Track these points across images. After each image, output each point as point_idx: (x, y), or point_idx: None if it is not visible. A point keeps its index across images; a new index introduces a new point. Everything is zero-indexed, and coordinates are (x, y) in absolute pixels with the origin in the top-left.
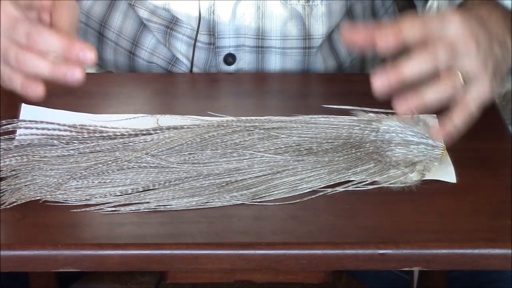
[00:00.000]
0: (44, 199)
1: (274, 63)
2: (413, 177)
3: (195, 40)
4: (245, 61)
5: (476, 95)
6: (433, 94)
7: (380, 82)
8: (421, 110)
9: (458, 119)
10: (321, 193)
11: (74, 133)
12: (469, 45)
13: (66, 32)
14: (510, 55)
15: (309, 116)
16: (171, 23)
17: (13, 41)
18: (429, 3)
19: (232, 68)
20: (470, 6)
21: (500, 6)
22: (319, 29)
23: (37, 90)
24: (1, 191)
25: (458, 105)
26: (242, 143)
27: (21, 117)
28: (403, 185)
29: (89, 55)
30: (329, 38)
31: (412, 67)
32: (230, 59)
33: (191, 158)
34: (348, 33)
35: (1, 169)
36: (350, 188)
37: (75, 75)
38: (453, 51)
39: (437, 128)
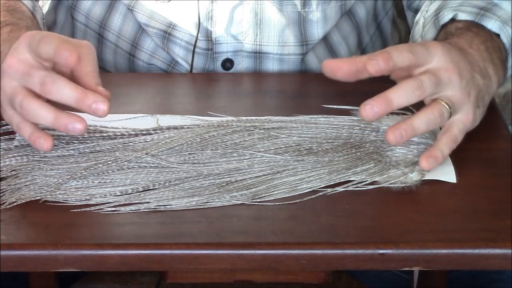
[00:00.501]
0: (44, 199)
1: (272, 68)
2: (413, 177)
3: (195, 45)
4: (242, 66)
5: (460, 123)
6: (422, 122)
7: (370, 111)
8: (410, 136)
9: (444, 145)
10: (321, 193)
11: None
12: (451, 75)
13: (91, 77)
14: (492, 83)
15: (309, 116)
16: (169, 28)
17: (24, 88)
18: (417, 17)
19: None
20: (454, 31)
21: (482, 32)
22: (315, 34)
23: (46, 145)
24: (1, 191)
25: (444, 133)
26: (242, 143)
27: None
28: (403, 185)
29: (101, 107)
30: (326, 38)
31: (400, 95)
32: (228, 64)
33: (191, 158)
34: (330, 66)
35: (1, 169)
36: (350, 188)
37: (75, 127)
38: (437, 80)
39: (424, 154)
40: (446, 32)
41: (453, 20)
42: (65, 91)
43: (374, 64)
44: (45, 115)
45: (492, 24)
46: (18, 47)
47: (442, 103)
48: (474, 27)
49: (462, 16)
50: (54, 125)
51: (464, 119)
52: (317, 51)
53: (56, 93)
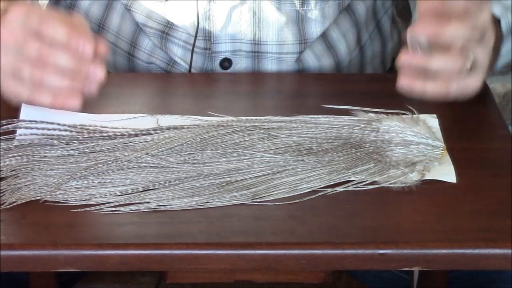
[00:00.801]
0: (44, 199)
1: (270, 67)
2: (413, 177)
3: (193, 45)
4: (241, 66)
5: (468, 84)
6: (440, 61)
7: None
8: (421, 75)
9: (436, 88)
10: (321, 193)
11: (74, 133)
12: (490, 39)
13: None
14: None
15: (309, 116)
16: (167, 28)
17: (23, 58)
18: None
19: (228, 72)
20: None
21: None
22: (313, 32)
23: (75, 102)
24: (1, 191)
25: (446, 78)
26: (242, 143)
27: (21, 117)
28: (403, 185)
29: (99, 72)
30: (324, 35)
31: (451, 29)
32: (226, 63)
33: (191, 158)
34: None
35: (1, 169)
36: (350, 188)
37: (97, 75)
38: (478, 36)
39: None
40: None
41: None
42: (62, 57)
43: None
44: (60, 80)
45: (495, 8)
46: (10, 22)
47: (470, 56)
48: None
49: None
50: (72, 85)
51: (472, 85)
52: (315, 48)
53: (55, 58)
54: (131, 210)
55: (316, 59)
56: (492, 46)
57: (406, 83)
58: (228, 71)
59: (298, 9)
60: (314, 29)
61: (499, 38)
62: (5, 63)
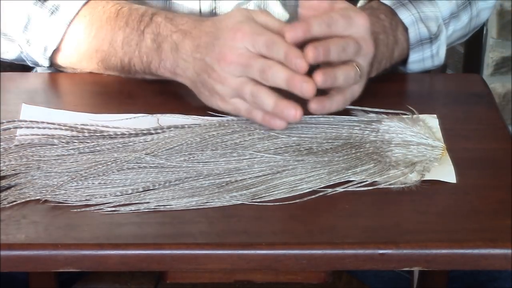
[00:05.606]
0: (44, 199)
1: None
2: (413, 177)
3: None
4: None
5: (356, 90)
6: (342, 74)
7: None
8: (330, 83)
9: (337, 103)
10: (321, 193)
11: (74, 133)
12: (369, 48)
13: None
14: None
15: (309, 116)
16: None
17: (250, 79)
18: None
19: None
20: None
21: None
22: None
23: (281, 124)
24: (1, 191)
25: (341, 92)
26: (242, 143)
27: (21, 117)
28: (403, 185)
29: (310, 87)
30: None
31: (331, 47)
32: None
33: (191, 158)
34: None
35: (1, 168)
36: (350, 189)
37: (290, 113)
38: (358, 48)
39: (316, 100)
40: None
41: None
42: (279, 75)
43: (292, 35)
44: (268, 101)
45: (405, 17)
46: (235, 42)
47: (355, 67)
48: (390, 12)
49: None
50: (274, 110)
51: (357, 90)
52: None
53: (272, 77)
54: (131, 210)
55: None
56: (374, 54)
57: (317, 106)
58: None
59: None
60: None
61: (398, 43)
62: (231, 83)
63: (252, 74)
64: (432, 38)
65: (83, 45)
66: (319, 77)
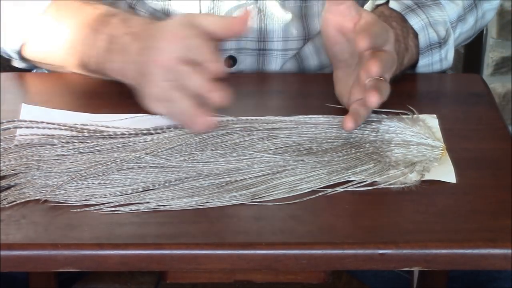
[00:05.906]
0: (44, 199)
1: (275, 65)
2: (413, 177)
3: None
4: (245, 64)
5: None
6: (365, 111)
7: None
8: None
9: (364, 113)
10: (321, 193)
11: (74, 133)
12: (395, 63)
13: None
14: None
15: (309, 116)
16: None
17: (174, 83)
18: None
19: (232, 70)
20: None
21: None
22: (317, 26)
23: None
24: (1, 191)
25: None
26: (242, 143)
27: (21, 117)
28: (403, 185)
29: (220, 97)
30: None
31: (376, 67)
32: (230, 61)
33: (191, 158)
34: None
35: (1, 168)
36: (350, 189)
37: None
38: (394, 64)
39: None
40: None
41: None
42: (193, 82)
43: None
44: (185, 106)
45: (414, 23)
46: (167, 46)
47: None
48: (400, 18)
49: (392, 5)
50: (190, 116)
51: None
52: (315, 40)
53: (190, 83)
54: (131, 210)
55: (316, 51)
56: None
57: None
58: (232, 69)
59: (301, 4)
60: (318, 24)
61: (408, 50)
62: (156, 89)
63: (177, 79)
64: (441, 43)
65: (48, 41)
66: (350, 124)
